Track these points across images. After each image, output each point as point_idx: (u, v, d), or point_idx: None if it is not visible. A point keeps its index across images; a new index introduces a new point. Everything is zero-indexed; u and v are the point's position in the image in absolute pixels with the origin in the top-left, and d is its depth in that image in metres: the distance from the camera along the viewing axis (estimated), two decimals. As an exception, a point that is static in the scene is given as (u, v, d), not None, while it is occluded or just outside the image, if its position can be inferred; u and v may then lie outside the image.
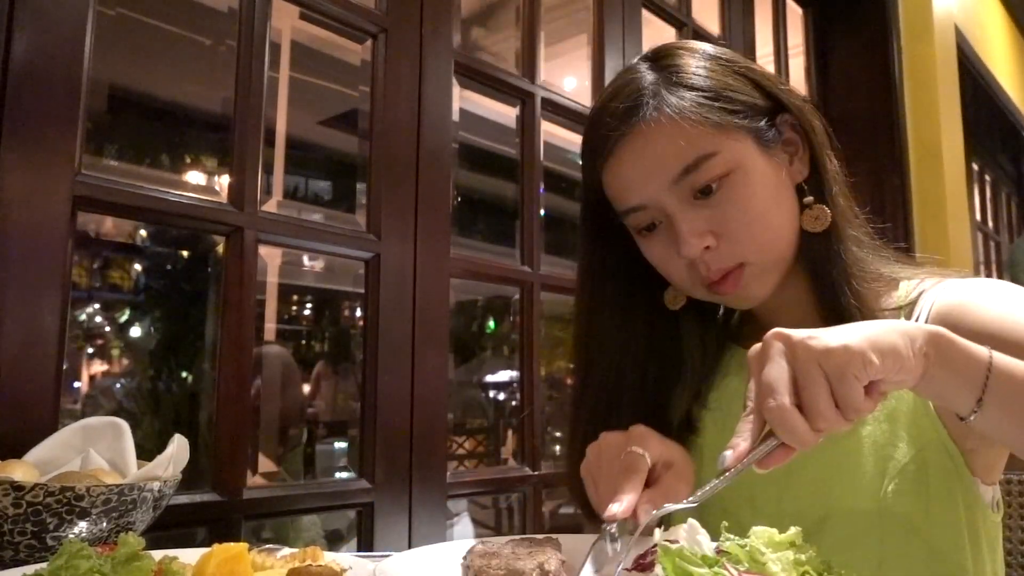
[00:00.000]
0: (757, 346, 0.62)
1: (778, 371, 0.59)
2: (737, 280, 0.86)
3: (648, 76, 0.88)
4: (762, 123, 0.87)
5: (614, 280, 0.97)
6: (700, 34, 2.56)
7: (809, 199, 0.89)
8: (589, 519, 0.95)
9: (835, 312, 0.87)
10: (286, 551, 0.77)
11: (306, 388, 4.36)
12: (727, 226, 0.84)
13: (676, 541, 0.54)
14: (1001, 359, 0.64)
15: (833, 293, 0.87)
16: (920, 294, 0.89)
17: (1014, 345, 0.72)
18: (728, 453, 0.59)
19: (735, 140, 0.84)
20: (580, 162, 0.95)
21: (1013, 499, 1.22)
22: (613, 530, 0.66)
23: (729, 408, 0.96)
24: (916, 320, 0.86)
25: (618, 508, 0.66)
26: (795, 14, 3.17)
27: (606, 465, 0.75)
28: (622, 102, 0.87)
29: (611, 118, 0.87)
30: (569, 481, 0.97)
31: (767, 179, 0.86)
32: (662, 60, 0.89)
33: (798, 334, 0.60)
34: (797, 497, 0.87)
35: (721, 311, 1.04)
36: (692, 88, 0.85)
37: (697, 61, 0.88)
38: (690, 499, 0.62)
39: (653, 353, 0.97)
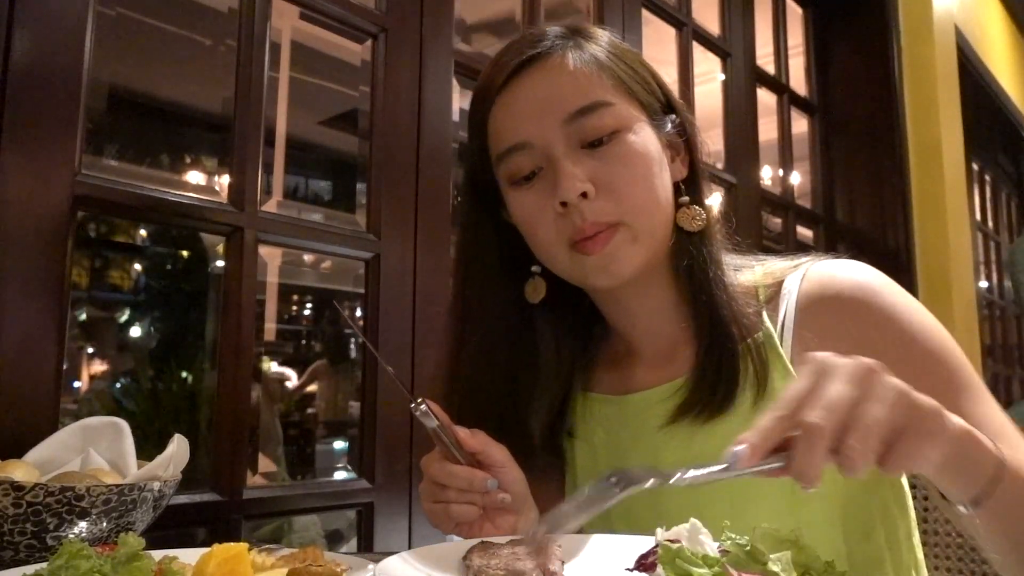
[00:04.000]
0: (831, 356, 0.56)
1: (845, 392, 0.53)
2: (607, 240, 0.83)
3: (561, 30, 0.90)
4: (655, 108, 0.89)
5: (486, 261, 0.94)
6: (700, 34, 2.56)
7: (685, 199, 0.89)
8: None
9: (700, 312, 0.86)
10: (286, 551, 0.77)
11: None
12: (610, 180, 0.83)
13: (677, 541, 0.54)
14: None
15: (702, 291, 0.86)
16: (780, 282, 0.89)
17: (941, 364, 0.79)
18: (740, 449, 0.53)
19: (630, 104, 0.86)
20: (468, 133, 0.92)
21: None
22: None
23: (597, 451, 0.94)
24: (786, 301, 0.87)
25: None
26: (795, 14, 3.17)
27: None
28: (530, 41, 0.87)
29: (516, 49, 0.87)
30: None
31: (654, 151, 0.86)
32: (577, 28, 0.91)
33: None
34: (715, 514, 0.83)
35: (581, 342, 1.00)
36: (602, 48, 0.88)
37: (610, 36, 0.92)
38: (676, 478, 0.54)
39: (512, 350, 0.94)
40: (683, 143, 0.92)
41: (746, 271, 0.92)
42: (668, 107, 0.91)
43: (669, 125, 0.90)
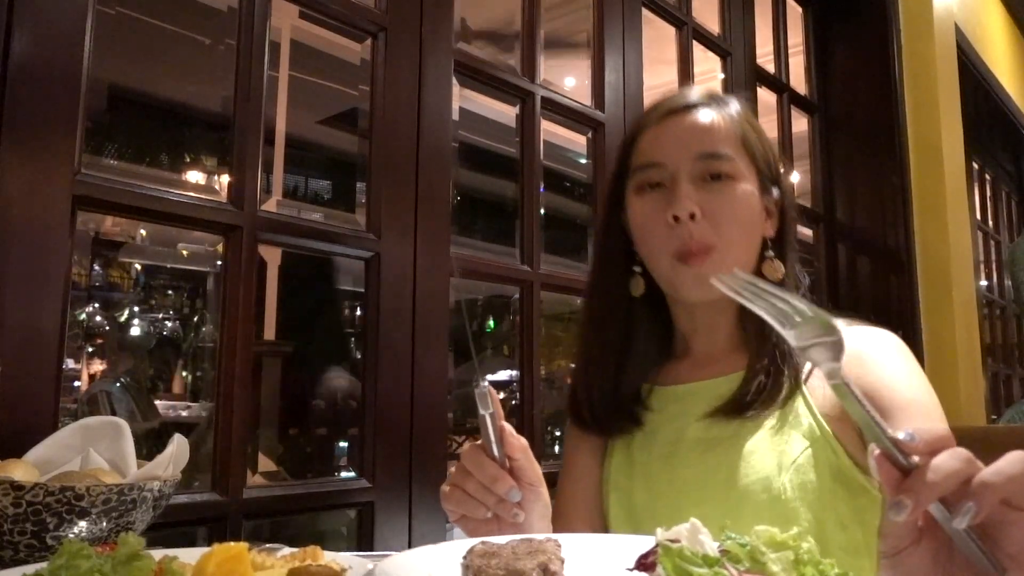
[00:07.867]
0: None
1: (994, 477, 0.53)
2: (705, 256, 1.01)
3: (709, 92, 1.11)
4: (766, 175, 1.08)
5: (607, 257, 1.14)
6: (700, 33, 2.56)
7: (770, 253, 1.07)
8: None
9: (761, 344, 1.01)
10: (286, 551, 0.77)
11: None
12: (715, 211, 1.02)
13: (677, 540, 0.54)
14: None
15: (769, 338, 1.00)
16: None
17: (898, 408, 0.90)
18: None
19: (749, 164, 1.06)
20: (618, 151, 1.14)
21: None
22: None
23: (655, 435, 1.08)
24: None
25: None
26: (795, 13, 3.17)
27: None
28: (687, 95, 1.10)
29: (675, 99, 1.10)
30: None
31: (754, 203, 1.05)
32: (719, 95, 1.12)
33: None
34: (715, 499, 0.98)
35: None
36: (740, 115, 1.10)
37: (747, 107, 1.13)
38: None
39: (615, 330, 1.12)
40: (778, 212, 1.10)
41: None
42: (775, 180, 1.10)
43: (774, 192, 1.09)
